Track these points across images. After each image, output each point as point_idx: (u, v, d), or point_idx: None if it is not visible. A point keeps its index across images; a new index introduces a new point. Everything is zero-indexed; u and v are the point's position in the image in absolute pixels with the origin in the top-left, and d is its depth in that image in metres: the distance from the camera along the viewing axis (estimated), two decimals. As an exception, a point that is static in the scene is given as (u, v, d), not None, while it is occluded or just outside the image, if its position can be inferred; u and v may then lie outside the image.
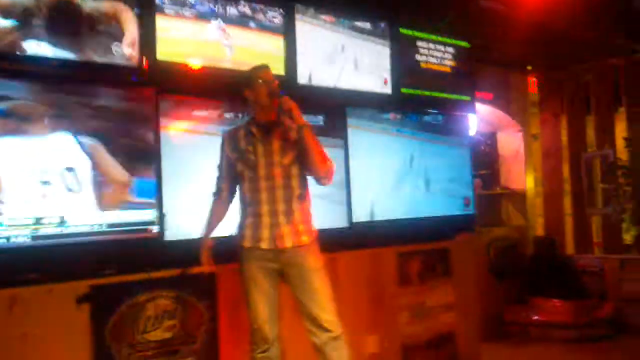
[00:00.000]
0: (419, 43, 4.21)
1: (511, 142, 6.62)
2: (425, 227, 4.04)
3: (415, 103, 4.14)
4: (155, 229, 2.85)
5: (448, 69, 4.39)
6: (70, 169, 2.63)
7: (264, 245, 2.61)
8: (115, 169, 2.75)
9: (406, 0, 4.16)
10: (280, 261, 2.63)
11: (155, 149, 2.89)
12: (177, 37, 3.02)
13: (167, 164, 2.92)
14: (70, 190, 2.62)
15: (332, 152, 3.21)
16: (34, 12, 2.55)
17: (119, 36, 2.80)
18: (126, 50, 2.82)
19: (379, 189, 3.84)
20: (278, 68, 3.30)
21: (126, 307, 2.70)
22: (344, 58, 3.73)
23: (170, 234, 2.90)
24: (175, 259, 2.85)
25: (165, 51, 2.96)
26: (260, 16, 3.33)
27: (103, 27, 2.75)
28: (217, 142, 2.81)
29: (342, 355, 2.61)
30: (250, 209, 2.66)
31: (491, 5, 4.72)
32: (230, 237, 2.77)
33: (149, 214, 2.84)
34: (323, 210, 3.19)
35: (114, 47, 2.78)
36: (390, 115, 4.01)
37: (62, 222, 2.59)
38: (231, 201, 2.78)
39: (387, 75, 3.96)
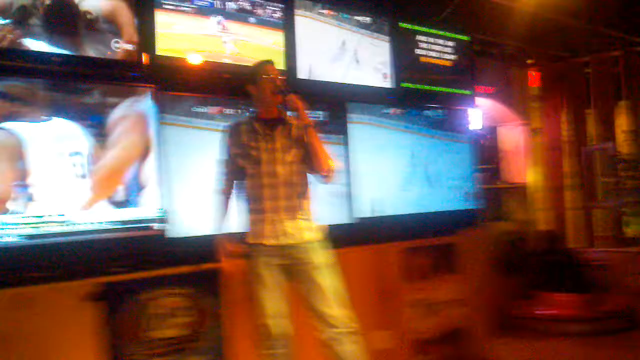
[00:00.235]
0: (419, 37, 4.18)
1: (512, 136, 6.59)
2: (430, 222, 4.02)
3: (416, 97, 4.12)
4: (158, 226, 2.84)
5: (448, 63, 4.37)
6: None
7: (267, 241, 2.59)
8: (115, 165, 2.74)
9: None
10: (284, 257, 2.61)
11: (156, 145, 2.88)
12: (177, 33, 3.00)
13: (168, 160, 2.91)
14: (73, 186, 2.62)
15: (334, 147, 3.20)
16: (32, 11, 2.54)
17: (118, 32, 2.78)
18: (125, 46, 2.80)
19: (381, 184, 3.82)
20: (278, 63, 3.27)
21: (136, 304, 2.70)
22: (344, 52, 3.71)
23: (173, 231, 2.89)
24: (179, 256, 2.85)
25: (165, 47, 2.94)
26: (259, 11, 3.30)
27: (102, 24, 2.73)
28: (218, 138, 2.78)
29: (349, 350, 2.59)
30: (252, 205, 2.64)
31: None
32: (232, 234, 2.75)
33: (152, 211, 2.83)
34: (327, 206, 3.18)
35: (113, 43, 2.76)
36: (391, 110, 3.99)
37: (67, 220, 2.58)
38: (235, 196, 2.76)
39: (388, 69, 3.94)
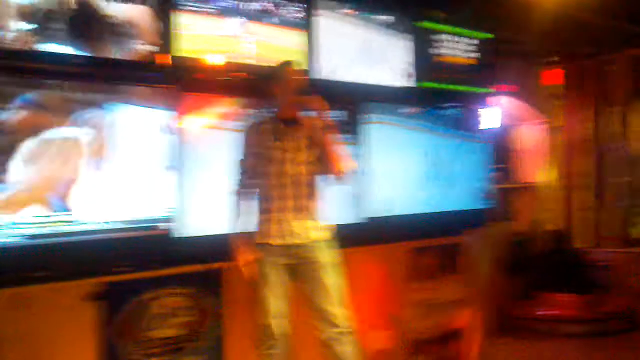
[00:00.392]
0: (441, 36, 4.15)
1: (531, 134, 6.51)
2: (440, 221, 4.02)
3: (436, 97, 4.10)
4: (165, 225, 2.86)
5: (469, 62, 4.33)
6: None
7: (274, 241, 2.61)
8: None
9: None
10: (291, 257, 2.63)
11: (177, 145, 2.90)
12: (198, 34, 3.00)
13: (186, 161, 2.94)
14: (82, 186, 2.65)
15: (352, 147, 3.18)
16: (58, 16, 2.56)
17: (140, 34, 2.79)
18: (148, 47, 2.81)
19: (395, 183, 3.82)
20: (299, 63, 3.25)
21: (135, 304, 2.71)
22: (365, 52, 3.68)
23: (178, 231, 2.91)
24: (182, 256, 2.88)
25: (186, 48, 2.95)
26: (281, 11, 3.28)
27: (124, 27, 2.74)
28: (233, 138, 2.78)
29: (348, 350, 2.62)
30: (262, 205, 2.66)
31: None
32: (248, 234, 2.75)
33: (160, 211, 2.85)
34: (337, 206, 3.19)
35: (135, 44, 2.77)
36: (411, 109, 3.96)
37: (74, 220, 2.61)
38: (253, 196, 2.74)
39: (409, 68, 3.91)
